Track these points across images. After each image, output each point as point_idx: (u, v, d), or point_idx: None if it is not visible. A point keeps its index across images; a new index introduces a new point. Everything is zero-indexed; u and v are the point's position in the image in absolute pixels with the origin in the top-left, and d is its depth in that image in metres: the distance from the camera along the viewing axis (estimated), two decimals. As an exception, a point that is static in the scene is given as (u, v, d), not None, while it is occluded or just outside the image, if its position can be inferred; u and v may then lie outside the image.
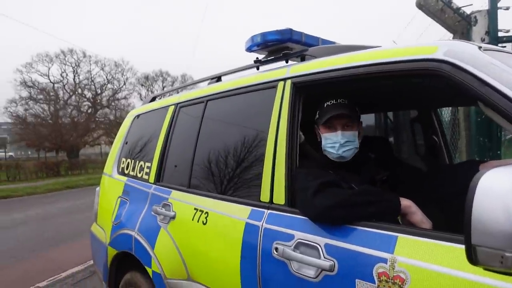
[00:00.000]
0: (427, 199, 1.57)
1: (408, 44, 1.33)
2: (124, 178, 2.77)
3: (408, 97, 2.16)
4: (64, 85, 30.58)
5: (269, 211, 1.54)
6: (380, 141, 2.29)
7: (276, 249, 1.41)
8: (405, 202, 1.29)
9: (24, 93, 28.73)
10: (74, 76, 30.76)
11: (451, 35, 4.08)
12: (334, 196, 1.29)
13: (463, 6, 3.78)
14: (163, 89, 34.72)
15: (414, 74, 1.24)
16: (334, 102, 1.62)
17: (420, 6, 3.97)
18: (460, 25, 3.77)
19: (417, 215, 1.29)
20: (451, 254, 0.98)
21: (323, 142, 1.63)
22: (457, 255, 0.95)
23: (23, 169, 19.29)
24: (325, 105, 1.64)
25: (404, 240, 1.09)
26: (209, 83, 2.34)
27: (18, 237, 6.75)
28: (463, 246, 0.86)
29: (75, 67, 30.56)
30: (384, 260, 1.09)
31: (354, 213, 1.25)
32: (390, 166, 1.79)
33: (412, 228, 1.16)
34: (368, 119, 3.33)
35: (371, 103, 2.45)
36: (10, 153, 36.75)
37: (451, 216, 1.60)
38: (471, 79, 1.07)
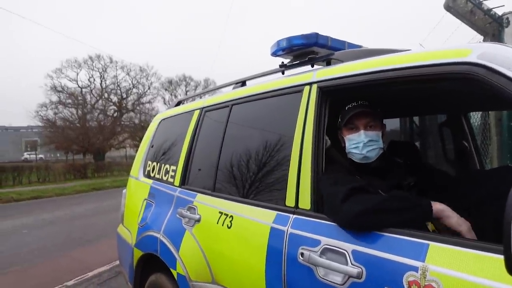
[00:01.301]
0: (457, 206, 1.52)
1: (438, 47, 1.30)
2: (150, 181, 2.83)
3: (438, 101, 2.10)
4: (91, 90, 31.61)
5: (294, 215, 1.53)
6: (407, 146, 2.25)
7: (302, 254, 1.39)
8: (438, 206, 1.26)
9: (54, 98, 29.92)
10: (101, 81, 31.76)
11: (481, 37, 3.97)
12: (364, 202, 1.26)
13: (494, 7, 3.67)
14: (186, 93, 35.28)
15: (446, 78, 1.20)
16: (355, 103, 1.61)
17: (448, 7, 3.87)
18: (491, 27, 3.66)
19: (453, 218, 1.25)
20: (486, 264, 0.94)
21: (347, 145, 1.62)
22: (493, 265, 0.92)
23: (52, 170, 19.97)
24: (346, 107, 1.64)
25: (436, 248, 1.06)
26: (234, 88, 2.36)
27: (47, 237, 6.98)
28: (499, 256, 0.83)
29: (102, 72, 31.56)
30: (415, 269, 1.06)
31: (385, 219, 1.22)
32: (418, 171, 1.75)
33: (444, 236, 1.13)
34: (393, 123, 3.27)
35: (399, 107, 2.41)
36: (41, 155, 38.11)
37: (483, 224, 1.55)
38: (507, 82, 1.03)
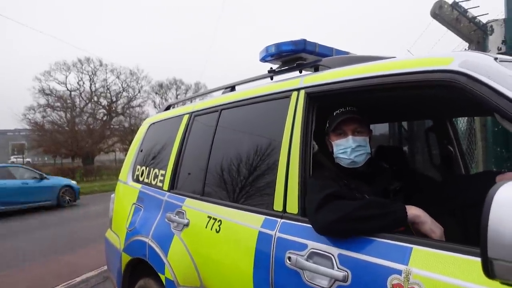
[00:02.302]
0: (442, 210, 1.56)
1: (423, 54, 1.33)
2: (139, 185, 2.81)
3: (423, 107, 2.15)
4: (80, 93, 31.25)
5: (282, 220, 1.55)
6: (395, 151, 2.29)
7: (289, 258, 1.41)
8: (413, 211, 1.26)
9: (42, 101, 29.47)
10: (91, 84, 31.43)
11: (467, 44, 4.05)
12: (336, 211, 1.27)
13: (479, 15, 3.75)
14: (176, 97, 35.12)
15: (429, 85, 1.23)
16: (343, 109, 1.64)
17: (435, 15, 3.95)
18: (476, 34, 3.74)
19: (426, 224, 1.25)
20: (468, 267, 0.96)
21: (334, 150, 1.64)
22: (474, 268, 0.94)
23: (40, 174, 19.63)
24: (334, 113, 1.66)
25: (419, 252, 1.08)
26: (223, 92, 2.37)
27: (34, 241, 6.87)
28: (478, 259, 0.85)
29: (92, 75, 31.23)
30: (399, 272, 1.08)
31: (358, 227, 1.24)
32: (405, 176, 1.78)
33: (427, 240, 1.15)
34: (382, 128, 3.31)
35: (385, 113, 2.45)
36: (28, 159, 37.51)
37: (467, 228, 1.58)
38: (487, 90, 1.06)
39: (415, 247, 1.10)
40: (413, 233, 1.26)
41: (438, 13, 3.93)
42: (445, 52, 1.28)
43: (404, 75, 1.28)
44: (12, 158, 38.76)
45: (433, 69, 1.20)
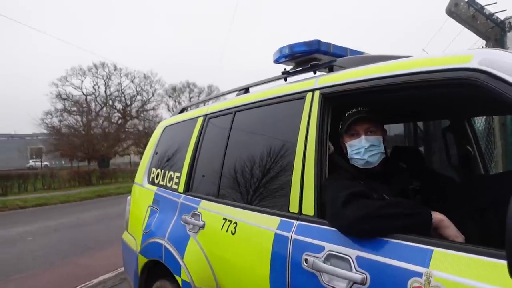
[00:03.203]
0: (462, 211, 1.52)
1: (440, 53, 1.31)
2: (154, 188, 2.84)
3: (440, 106, 2.11)
4: (96, 97, 31.85)
5: (298, 222, 1.54)
6: (411, 151, 2.25)
7: (306, 260, 1.40)
8: (437, 216, 1.25)
9: (59, 105, 30.17)
10: (106, 88, 32.01)
11: (483, 42, 3.97)
12: (364, 207, 1.26)
13: (496, 12, 3.67)
14: (190, 100, 35.42)
15: (448, 83, 1.21)
16: (355, 110, 1.63)
17: (450, 13, 3.88)
18: (493, 32, 3.66)
19: (450, 230, 1.24)
20: (491, 269, 0.94)
21: (348, 151, 1.63)
22: (497, 270, 0.92)
23: (57, 177, 20.05)
24: (346, 114, 1.65)
25: (440, 254, 1.06)
26: (237, 95, 2.38)
27: (52, 244, 7.00)
28: (503, 261, 0.83)
29: (107, 79, 31.82)
30: (419, 275, 1.06)
31: (385, 225, 1.23)
32: (422, 176, 1.75)
33: (448, 242, 1.13)
34: (397, 128, 3.27)
35: (402, 113, 2.41)
36: (46, 163, 38.29)
37: (488, 229, 1.54)
38: (508, 88, 1.04)
39: (436, 249, 1.08)
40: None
41: (453, 11, 3.85)
42: (464, 49, 1.25)
43: (422, 74, 1.25)
44: (31, 162, 39.65)
45: (452, 67, 1.18)
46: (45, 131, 30.74)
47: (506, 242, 0.80)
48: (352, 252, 1.27)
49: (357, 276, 1.21)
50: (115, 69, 31.82)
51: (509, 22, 3.50)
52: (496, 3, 3.74)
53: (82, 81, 30.99)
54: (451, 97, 1.73)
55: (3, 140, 42.05)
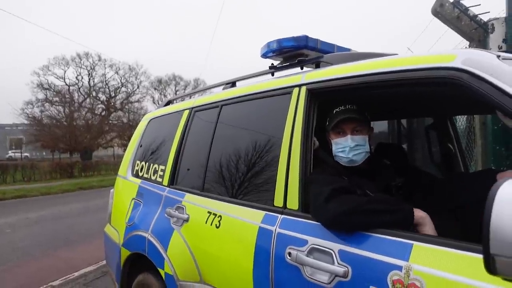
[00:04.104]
0: (442, 207, 1.56)
1: (424, 52, 1.33)
2: (138, 181, 2.81)
3: (424, 104, 2.15)
4: (79, 88, 31.20)
5: (282, 216, 1.55)
6: (395, 148, 2.29)
7: (290, 254, 1.41)
8: (419, 213, 1.28)
9: (41, 95, 29.43)
10: (89, 79, 31.38)
11: (467, 42, 4.05)
12: (348, 203, 1.28)
13: (480, 14, 3.74)
14: (175, 93, 35.07)
15: (431, 82, 1.24)
16: (343, 108, 1.64)
17: (436, 13, 3.94)
18: (477, 33, 3.73)
19: (427, 228, 1.27)
20: (468, 263, 0.97)
21: (333, 148, 1.64)
22: (474, 264, 0.94)
23: (38, 169, 19.63)
24: (334, 111, 1.66)
25: (420, 248, 1.08)
26: (224, 88, 2.37)
27: (32, 236, 6.86)
28: (480, 255, 0.86)
29: (90, 70, 31.18)
30: (399, 268, 1.09)
31: (367, 220, 1.25)
32: (405, 173, 1.78)
33: (428, 236, 1.16)
34: (381, 126, 3.32)
35: (386, 110, 2.45)
36: (26, 154, 37.44)
37: (466, 225, 1.58)
38: (489, 88, 1.07)
39: (415, 243, 1.10)
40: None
41: (439, 11, 3.91)
42: (448, 49, 1.28)
43: (406, 72, 1.28)
44: (10, 153, 38.70)
45: (436, 66, 1.20)
46: (25, 122, 29.99)
47: (482, 237, 0.82)
48: (335, 246, 1.29)
49: (339, 269, 1.23)
50: (100, 59, 31.24)
51: (492, 24, 3.58)
52: (480, 4, 3.82)
53: (65, 71, 30.32)
54: (434, 95, 1.77)
55: (-19, 130, 40.87)
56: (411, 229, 1.27)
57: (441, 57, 1.21)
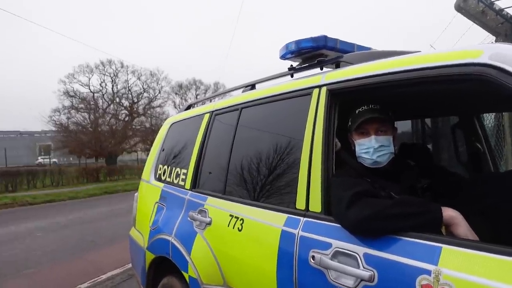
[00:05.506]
0: (471, 208, 1.50)
1: (449, 48, 1.29)
2: (161, 184, 2.85)
3: (449, 102, 2.08)
4: (103, 95, 31.96)
5: (305, 218, 1.53)
6: (420, 148, 2.23)
7: (313, 257, 1.39)
8: (449, 213, 1.23)
9: (67, 103, 30.31)
10: (113, 85, 32.10)
11: (493, 37, 3.91)
12: (369, 207, 1.25)
13: (506, 7, 3.61)
14: (196, 97, 35.45)
15: (457, 79, 1.19)
16: (365, 107, 1.59)
17: (459, 8, 3.83)
18: (503, 27, 3.61)
19: (462, 227, 1.21)
20: (503, 268, 0.93)
21: (357, 149, 1.60)
22: (509, 268, 0.90)
23: (66, 174, 20.23)
24: (357, 111, 1.62)
25: (449, 252, 1.04)
26: (243, 91, 2.37)
27: (61, 240, 7.08)
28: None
29: (114, 77, 31.88)
30: (428, 272, 1.05)
31: (391, 225, 1.21)
32: (431, 173, 1.73)
33: (457, 239, 1.11)
34: (404, 125, 3.24)
35: (410, 109, 2.39)
36: (54, 159, 38.69)
37: (498, 227, 1.52)
38: (519, 83, 1.02)
39: (445, 246, 1.06)
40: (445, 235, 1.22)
41: (462, 6, 3.80)
42: (474, 44, 1.23)
43: (431, 69, 1.24)
44: (40, 159, 40.10)
45: (462, 62, 1.16)
46: (53, 128, 31.01)
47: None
48: (360, 249, 1.26)
49: (365, 273, 1.21)
50: (122, 66, 31.92)
51: (520, 17, 3.45)
52: (506, -3, 3.69)
53: (90, 79, 31.12)
54: (460, 93, 1.71)
55: (12, 138, 42.56)
56: (439, 231, 1.23)
57: (467, 52, 1.17)
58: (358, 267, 1.24)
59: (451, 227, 1.22)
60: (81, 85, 30.93)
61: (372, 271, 1.19)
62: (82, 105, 30.89)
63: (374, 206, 1.25)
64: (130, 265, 4.24)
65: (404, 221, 1.20)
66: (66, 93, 30.14)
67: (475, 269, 0.97)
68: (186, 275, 2.13)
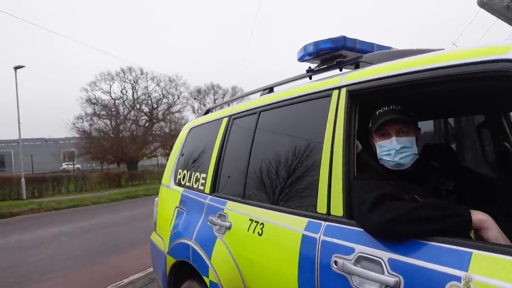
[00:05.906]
0: (500, 211, 1.44)
1: (472, 45, 1.24)
2: (181, 189, 2.87)
3: (474, 101, 2.01)
4: (124, 101, 32.63)
5: (326, 223, 1.50)
6: (444, 149, 2.16)
7: (336, 262, 1.36)
8: (478, 216, 1.17)
9: (89, 110, 31.12)
10: (133, 92, 32.75)
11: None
12: (393, 211, 1.21)
13: (533, 1, 3.47)
14: (214, 101, 35.73)
15: (483, 76, 1.14)
16: (386, 108, 1.54)
17: (482, 4, 3.71)
18: (530, 21, 3.47)
19: (493, 231, 1.15)
20: (537, 274, 0.88)
21: (378, 151, 1.56)
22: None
23: (89, 180, 20.76)
24: (377, 112, 1.57)
25: (480, 257, 0.99)
26: (261, 94, 2.36)
27: (85, 244, 7.24)
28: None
29: (134, 83, 32.53)
30: (458, 279, 1.00)
31: (415, 229, 1.16)
32: (457, 175, 1.67)
33: (488, 244, 1.06)
34: (426, 125, 3.15)
35: (433, 109, 2.32)
36: (78, 165, 39.68)
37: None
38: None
39: (475, 251, 1.01)
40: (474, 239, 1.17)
41: (486, 2, 3.68)
42: (500, 40, 1.18)
43: (455, 67, 1.19)
44: (64, 165, 41.23)
45: (488, 59, 1.11)
46: (76, 135, 31.85)
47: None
48: (384, 255, 1.22)
49: (390, 279, 1.16)
50: (142, 73, 32.53)
51: (548, 11, 3.31)
52: (532, -9, 3.54)
53: (111, 86, 31.84)
54: (486, 90, 1.64)
55: (38, 145, 43.89)
56: (467, 235, 1.17)
57: (493, 49, 1.12)
58: (383, 273, 1.20)
59: (481, 231, 1.16)
60: (103, 92, 31.71)
61: (398, 277, 1.15)
62: (103, 112, 31.63)
63: (398, 209, 1.21)
64: (151, 269, 4.27)
65: (429, 225, 1.15)
66: (88, 101, 30.94)
67: (508, 275, 0.92)
68: (206, 280, 2.13)
